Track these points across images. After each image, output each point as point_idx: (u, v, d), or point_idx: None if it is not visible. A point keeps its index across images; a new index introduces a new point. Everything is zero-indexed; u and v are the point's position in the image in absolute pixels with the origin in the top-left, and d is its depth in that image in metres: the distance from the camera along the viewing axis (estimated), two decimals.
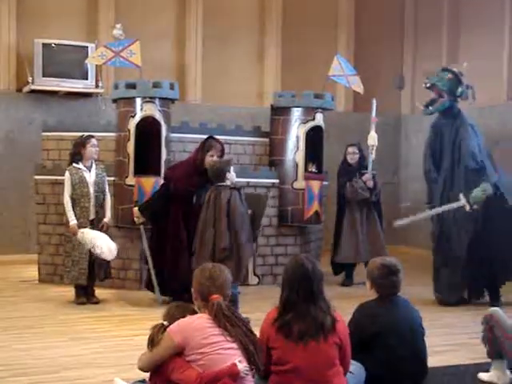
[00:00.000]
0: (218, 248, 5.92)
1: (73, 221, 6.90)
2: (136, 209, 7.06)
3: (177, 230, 6.76)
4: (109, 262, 7.03)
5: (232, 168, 6.19)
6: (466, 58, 11.08)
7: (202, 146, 6.79)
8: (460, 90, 7.19)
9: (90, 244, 6.67)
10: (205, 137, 7.86)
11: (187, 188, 6.69)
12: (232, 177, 6.13)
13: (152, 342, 3.55)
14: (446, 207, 6.86)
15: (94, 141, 7.10)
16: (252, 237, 6.20)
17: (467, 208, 6.69)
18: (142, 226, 7.11)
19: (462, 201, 6.71)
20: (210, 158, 6.61)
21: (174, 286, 6.63)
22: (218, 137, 7.78)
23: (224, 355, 3.45)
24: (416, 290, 7.27)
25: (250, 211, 6.20)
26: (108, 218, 7.08)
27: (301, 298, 3.58)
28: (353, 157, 8.40)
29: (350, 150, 8.44)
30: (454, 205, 6.76)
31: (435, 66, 11.42)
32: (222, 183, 6.08)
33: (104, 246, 6.67)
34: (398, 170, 12.19)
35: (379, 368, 3.95)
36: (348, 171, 8.38)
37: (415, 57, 12.16)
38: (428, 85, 7.23)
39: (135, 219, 7.07)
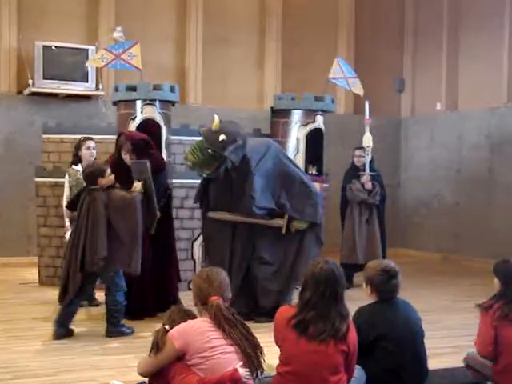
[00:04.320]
0: (92, 258, 5.55)
1: (68, 223, 6.92)
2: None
3: None
4: None
5: (107, 172, 5.78)
6: (465, 61, 11.16)
7: (115, 144, 6.40)
8: (227, 164, 6.13)
9: None
10: None
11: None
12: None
13: (157, 348, 3.54)
14: (264, 221, 6.28)
15: (89, 143, 7.10)
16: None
17: (283, 230, 6.25)
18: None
19: (281, 221, 6.28)
20: (124, 156, 6.22)
21: None
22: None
23: (225, 359, 3.46)
24: (416, 292, 7.28)
25: (140, 183, 5.86)
26: None
27: (324, 300, 3.59)
28: (359, 159, 8.41)
29: (358, 152, 8.45)
30: (274, 222, 6.28)
31: (435, 69, 11.51)
32: (94, 187, 5.75)
33: None
34: (398, 172, 12.20)
35: (379, 370, 3.96)
36: (352, 174, 8.41)
37: (415, 59, 12.18)
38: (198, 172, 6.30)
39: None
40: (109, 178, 5.77)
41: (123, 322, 5.78)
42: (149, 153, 6.30)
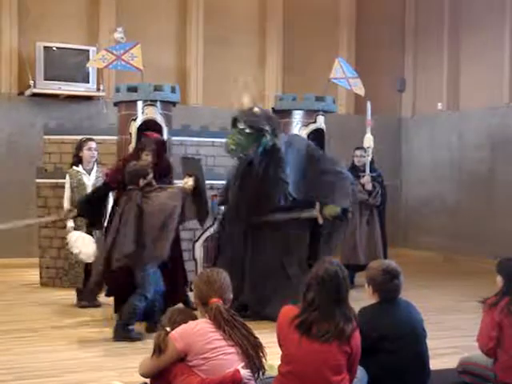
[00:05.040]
0: (117, 254, 5.58)
1: (69, 223, 6.91)
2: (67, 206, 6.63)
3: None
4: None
5: (150, 176, 5.85)
6: (466, 61, 11.16)
7: (136, 144, 6.40)
8: (267, 138, 6.21)
9: (70, 245, 6.71)
10: (206, 140, 7.88)
11: (119, 187, 6.20)
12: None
13: (159, 351, 3.52)
14: (297, 214, 6.35)
15: (91, 144, 7.09)
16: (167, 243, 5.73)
17: (320, 220, 6.30)
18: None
19: (315, 212, 6.32)
20: (146, 157, 6.25)
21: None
22: (219, 140, 7.78)
23: (226, 360, 3.45)
24: (417, 292, 7.26)
25: (192, 178, 5.93)
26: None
27: (328, 301, 3.59)
28: (360, 159, 8.43)
29: (358, 152, 8.47)
30: (308, 214, 6.33)
31: (436, 69, 11.51)
32: (133, 187, 5.80)
33: (82, 248, 6.67)
34: (399, 173, 12.20)
35: (381, 371, 3.95)
36: (352, 174, 8.40)
37: (416, 59, 12.17)
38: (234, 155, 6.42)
39: (63, 214, 6.72)
40: (149, 180, 5.86)
41: (132, 326, 5.67)
42: (164, 154, 6.45)
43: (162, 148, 6.43)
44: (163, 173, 6.28)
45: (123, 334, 5.60)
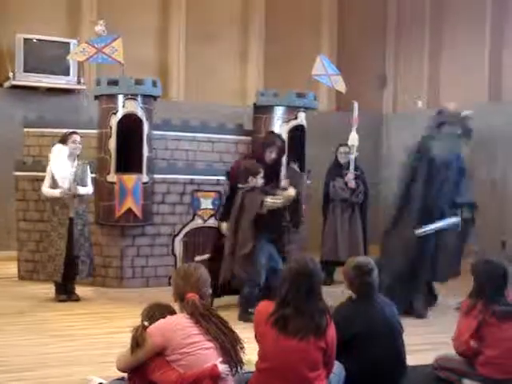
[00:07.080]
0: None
1: (58, 190, 6.83)
2: (224, 224, 6.51)
3: None
4: (92, 259, 7.04)
5: (260, 175, 6.10)
6: (447, 57, 11.21)
7: (263, 141, 6.51)
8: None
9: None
10: (187, 134, 7.84)
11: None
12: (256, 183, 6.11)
13: (137, 345, 3.51)
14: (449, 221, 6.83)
15: (75, 137, 7.04)
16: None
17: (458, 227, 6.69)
18: None
19: (457, 219, 6.76)
20: (269, 155, 6.43)
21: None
22: (201, 135, 7.76)
23: (204, 355, 3.45)
24: None
25: (295, 191, 6.22)
26: (82, 188, 6.95)
27: (300, 295, 3.60)
28: (343, 156, 8.45)
29: (342, 149, 8.48)
30: (455, 220, 6.81)
31: (417, 66, 11.56)
32: (242, 186, 6.11)
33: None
34: (380, 170, 12.23)
35: (358, 366, 3.97)
36: (336, 171, 8.44)
37: (397, 56, 12.22)
38: None
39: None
40: (258, 180, 6.08)
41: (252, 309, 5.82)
42: (281, 156, 6.74)
43: (283, 149, 6.63)
44: (275, 174, 6.50)
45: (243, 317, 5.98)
